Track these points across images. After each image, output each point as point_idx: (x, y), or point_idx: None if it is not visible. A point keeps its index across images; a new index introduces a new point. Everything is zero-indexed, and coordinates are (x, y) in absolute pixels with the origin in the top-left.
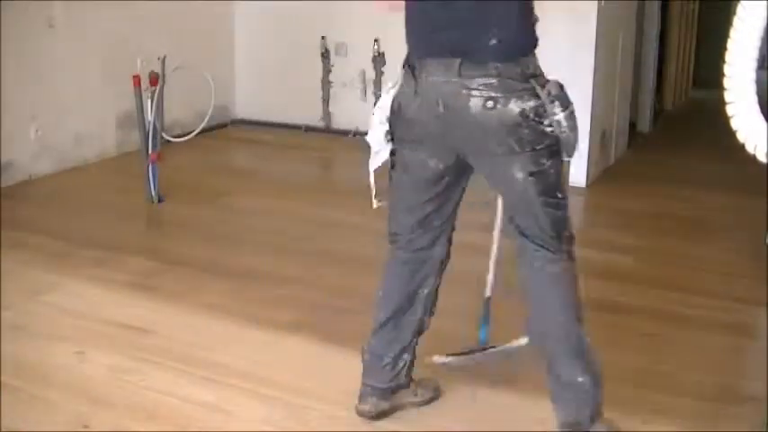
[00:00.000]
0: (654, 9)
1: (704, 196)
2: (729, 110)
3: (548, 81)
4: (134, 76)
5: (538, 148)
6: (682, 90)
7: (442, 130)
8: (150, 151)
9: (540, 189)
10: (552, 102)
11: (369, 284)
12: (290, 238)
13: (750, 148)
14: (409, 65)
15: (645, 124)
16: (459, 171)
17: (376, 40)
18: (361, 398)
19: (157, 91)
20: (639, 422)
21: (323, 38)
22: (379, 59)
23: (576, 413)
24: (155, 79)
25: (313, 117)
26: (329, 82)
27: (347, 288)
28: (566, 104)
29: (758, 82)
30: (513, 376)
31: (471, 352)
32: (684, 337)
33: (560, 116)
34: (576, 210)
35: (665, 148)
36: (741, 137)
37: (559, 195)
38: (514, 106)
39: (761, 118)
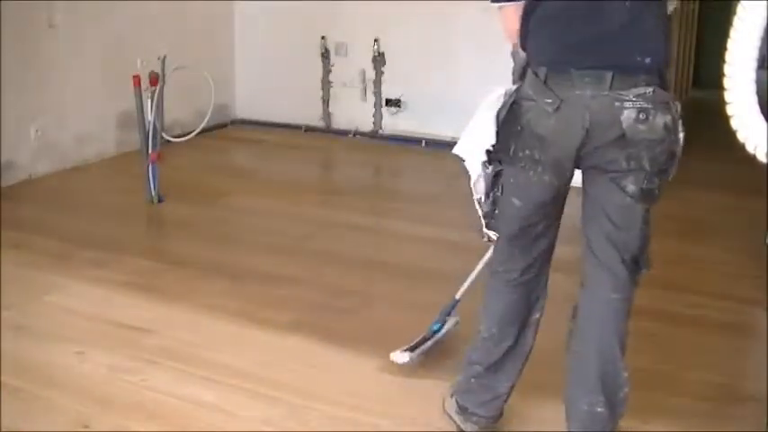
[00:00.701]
0: None
1: (704, 196)
2: (729, 110)
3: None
4: (134, 76)
5: (663, 168)
6: (682, 90)
7: (576, 147)
8: (150, 151)
9: (645, 207)
10: (680, 119)
11: (369, 284)
12: (290, 238)
13: (750, 148)
14: (537, 76)
15: None
16: (570, 182)
17: (376, 40)
18: (466, 422)
19: (157, 91)
20: (639, 422)
21: (323, 38)
22: (379, 59)
23: None
24: (155, 79)
25: (313, 117)
26: (329, 82)
27: (347, 288)
28: (684, 124)
29: (758, 82)
30: None
31: (423, 341)
32: (684, 337)
33: (682, 135)
34: (576, 210)
35: None
36: (741, 137)
37: (649, 213)
38: (660, 120)
39: (761, 118)
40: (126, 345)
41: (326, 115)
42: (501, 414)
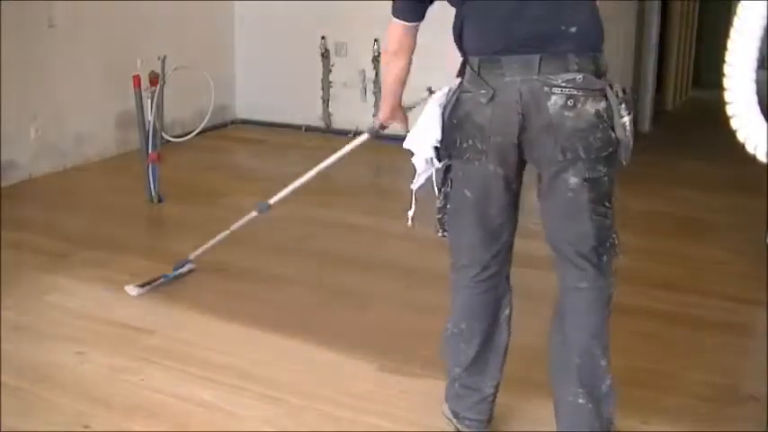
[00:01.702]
0: (654, 9)
1: (704, 196)
2: (729, 110)
3: (612, 82)
4: (134, 76)
5: (602, 154)
6: (682, 90)
7: (516, 134)
8: (150, 151)
9: (593, 197)
10: (620, 104)
11: (369, 284)
12: (290, 238)
13: (750, 148)
14: (472, 68)
15: (645, 124)
16: (521, 174)
17: (376, 40)
18: (461, 425)
19: (157, 91)
20: (639, 422)
21: (323, 38)
22: (379, 59)
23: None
24: (155, 79)
25: (313, 117)
26: (329, 82)
27: (347, 288)
28: (630, 108)
29: (758, 82)
30: (511, 376)
31: (155, 280)
32: (684, 337)
33: (626, 119)
34: None
35: (665, 148)
36: (741, 137)
37: (608, 204)
38: (590, 107)
39: (761, 118)
40: (126, 345)
41: (326, 115)
42: (491, 417)
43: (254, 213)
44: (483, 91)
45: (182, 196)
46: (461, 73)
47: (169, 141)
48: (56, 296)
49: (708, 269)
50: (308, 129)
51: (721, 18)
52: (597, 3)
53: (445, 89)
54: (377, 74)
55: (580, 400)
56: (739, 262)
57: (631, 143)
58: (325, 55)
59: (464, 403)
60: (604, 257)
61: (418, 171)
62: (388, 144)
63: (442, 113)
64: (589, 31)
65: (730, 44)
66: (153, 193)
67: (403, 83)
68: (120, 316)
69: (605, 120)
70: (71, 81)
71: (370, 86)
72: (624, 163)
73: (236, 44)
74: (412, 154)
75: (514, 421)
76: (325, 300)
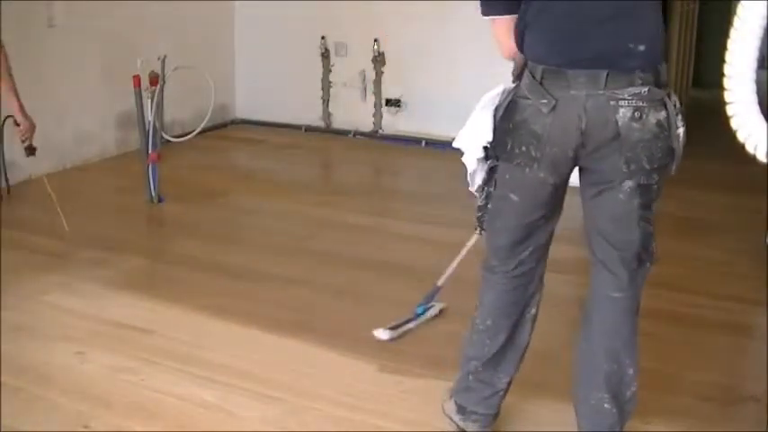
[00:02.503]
0: None
1: (704, 196)
2: (729, 110)
3: (671, 92)
4: (134, 76)
5: (661, 164)
6: (682, 90)
7: (573, 147)
8: (150, 151)
9: (643, 202)
10: (677, 114)
11: (369, 284)
12: (290, 238)
13: (750, 148)
14: (533, 76)
15: None
16: (568, 180)
17: (376, 40)
18: (466, 421)
19: (157, 91)
20: (639, 422)
21: (323, 38)
22: (379, 59)
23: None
24: (155, 79)
25: (313, 117)
26: (329, 82)
27: (347, 288)
28: (684, 119)
29: (758, 82)
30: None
31: (406, 322)
32: (684, 337)
33: (681, 130)
34: (576, 210)
35: None
36: (741, 137)
37: (652, 211)
38: (653, 117)
39: (761, 118)
40: (126, 345)
41: (326, 115)
42: (499, 412)
43: (434, 287)
44: (544, 101)
45: (182, 196)
46: (519, 76)
47: (169, 141)
48: (56, 296)
49: (708, 269)
50: (308, 129)
51: (721, 18)
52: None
53: (499, 89)
54: (377, 74)
55: (606, 405)
56: (739, 262)
57: (682, 153)
58: (326, 55)
59: (475, 397)
60: (646, 264)
61: (469, 170)
62: (388, 144)
63: (494, 114)
64: (656, 47)
65: (730, 44)
66: (153, 193)
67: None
68: (120, 316)
69: (666, 129)
70: (71, 81)
71: (370, 86)
72: (673, 173)
73: (236, 44)
74: (461, 153)
75: (514, 421)
76: (325, 300)
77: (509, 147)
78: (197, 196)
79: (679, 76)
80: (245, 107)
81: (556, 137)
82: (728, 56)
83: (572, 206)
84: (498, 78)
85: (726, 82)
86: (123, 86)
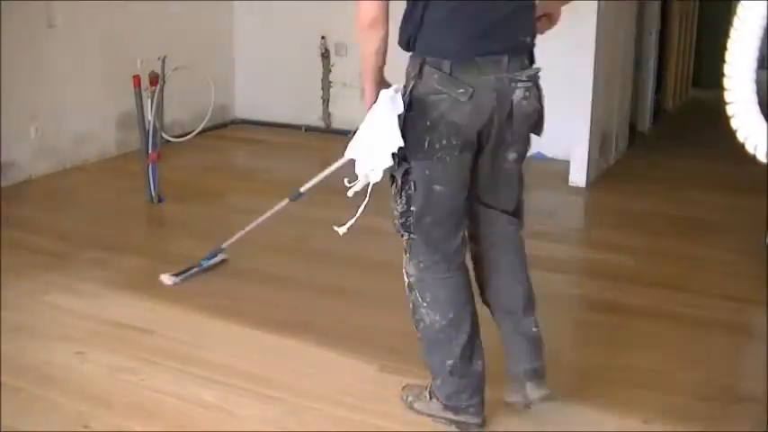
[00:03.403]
0: (654, 9)
1: (704, 196)
2: (729, 110)
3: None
4: (134, 76)
5: (536, 132)
6: (682, 90)
7: (485, 124)
8: (150, 151)
9: (520, 165)
10: (540, 87)
11: (369, 285)
12: (290, 238)
13: (750, 148)
14: (441, 71)
15: (645, 124)
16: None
17: None
18: (464, 414)
19: (157, 91)
20: (639, 422)
21: (323, 38)
22: None
23: (540, 359)
24: (155, 79)
25: (313, 117)
26: (329, 82)
27: (347, 288)
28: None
29: (758, 82)
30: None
31: (190, 269)
32: (684, 337)
33: (543, 100)
34: (576, 210)
35: (665, 148)
36: (741, 137)
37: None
38: (534, 95)
39: (761, 118)
40: (126, 345)
41: (326, 115)
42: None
43: (286, 201)
44: (461, 90)
45: (182, 196)
46: (418, 75)
47: (169, 141)
48: (55, 296)
49: (708, 269)
50: (308, 129)
51: (721, 18)
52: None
53: (390, 95)
54: None
55: (534, 329)
56: (739, 262)
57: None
58: (326, 55)
59: (466, 392)
60: (523, 213)
61: (372, 180)
62: None
63: (399, 119)
64: (534, 38)
65: (730, 44)
66: (153, 193)
67: (385, 56)
68: (120, 316)
69: (540, 100)
70: (71, 81)
71: None
72: (539, 136)
73: (236, 44)
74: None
75: (514, 421)
76: (326, 300)
77: (427, 145)
78: (197, 196)
79: (679, 76)
80: (245, 107)
81: (473, 120)
82: (728, 56)
83: (572, 206)
84: None
85: (726, 82)
86: (123, 86)
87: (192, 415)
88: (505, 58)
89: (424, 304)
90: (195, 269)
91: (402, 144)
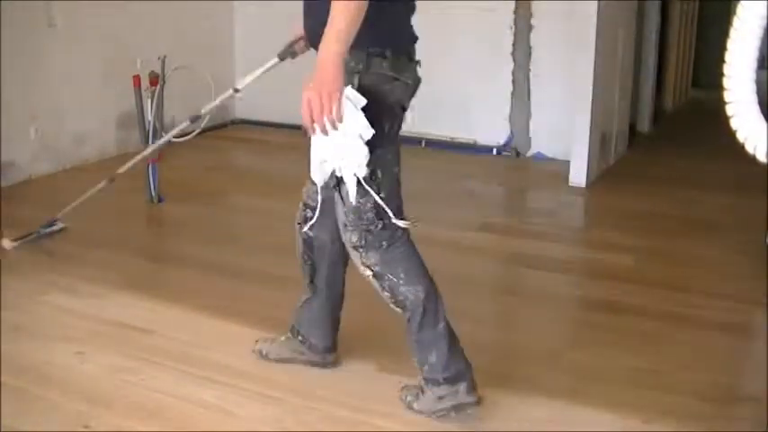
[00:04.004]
0: (654, 9)
1: (704, 196)
2: (729, 110)
3: None
4: (134, 76)
5: None
6: (682, 90)
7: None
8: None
9: None
10: None
11: (368, 285)
12: (290, 238)
13: (750, 148)
14: (387, 57)
15: (645, 124)
16: None
17: None
18: (460, 385)
19: (157, 91)
20: (639, 422)
21: None
22: None
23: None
24: (155, 79)
25: None
26: None
27: (346, 288)
28: None
29: (758, 82)
30: (511, 376)
31: (29, 235)
32: (684, 337)
33: None
34: (576, 210)
35: (665, 148)
36: (741, 137)
37: None
38: None
39: (761, 118)
40: (126, 345)
41: None
42: None
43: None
44: (408, 73)
45: (182, 196)
46: (365, 67)
47: (169, 141)
48: (55, 296)
49: (708, 269)
50: None
51: (721, 18)
52: None
53: (346, 93)
54: None
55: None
56: (739, 262)
57: None
58: None
59: (462, 357)
60: None
61: (352, 182)
62: None
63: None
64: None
65: (730, 44)
66: (153, 193)
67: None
68: (120, 316)
69: None
70: (71, 81)
71: None
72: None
73: (236, 44)
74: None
75: (513, 420)
76: None
77: (387, 130)
78: (197, 196)
79: (679, 76)
80: (245, 107)
81: (408, 100)
82: (728, 56)
83: (572, 206)
84: (498, 78)
85: (726, 82)
86: (123, 86)
87: (192, 415)
88: (415, 46)
89: (401, 282)
90: (33, 235)
91: (372, 132)
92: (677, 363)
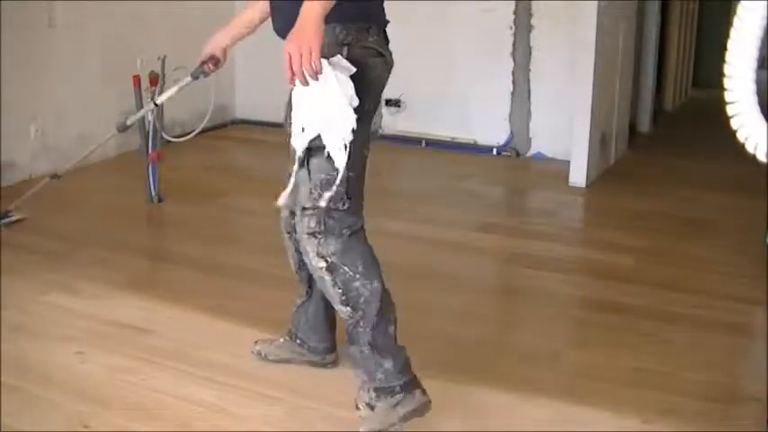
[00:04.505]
0: (654, 9)
1: (704, 196)
2: (729, 110)
3: None
4: (134, 76)
5: None
6: (682, 90)
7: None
8: (150, 151)
9: None
10: None
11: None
12: None
13: (750, 148)
14: (370, 32)
15: (645, 124)
16: None
17: None
18: (416, 392)
19: (157, 91)
20: (639, 422)
21: None
22: None
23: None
24: (155, 79)
25: None
26: None
27: None
28: None
29: (758, 82)
30: (511, 376)
31: None
32: (684, 337)
33: None
34: (576, 210)
35: (665, 148)
36: (741, 137)
37: None
38: None
39: (761, 118)
40: (126, 345)
41: None
42: None
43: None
44: (389, 51)
45: (182, 196)
46: (355, 39)
47: (169, 141)
48: (55, 296)
49: (708, 269)
50: None
51: (721, 18)
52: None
53: (334, 60)
54: None
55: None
56: (739, 262)
57: None
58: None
59: (407, 359)
60: None
61: (341, 156)
62: (387, 144)
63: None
64: None
65: (730, 44)
66: (153, 193)
67: None
68: (120, 316)
69: None
70: (71, 81)
71: None
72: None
73: (236, 44)
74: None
75: (512, 420)
76: None
77: (366, 107)
78: (197, 196)
79: (679, 76)
80: (245, 107)
81: (385, 81)
82: (728, 56)
83: (572, 206)
84: (498, 78)
85: (726, 82)
86: (123, 86)
87: (192, 415)
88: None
89: (358, 276)
90: None
91: (357, 101)
92: (677, 363)
